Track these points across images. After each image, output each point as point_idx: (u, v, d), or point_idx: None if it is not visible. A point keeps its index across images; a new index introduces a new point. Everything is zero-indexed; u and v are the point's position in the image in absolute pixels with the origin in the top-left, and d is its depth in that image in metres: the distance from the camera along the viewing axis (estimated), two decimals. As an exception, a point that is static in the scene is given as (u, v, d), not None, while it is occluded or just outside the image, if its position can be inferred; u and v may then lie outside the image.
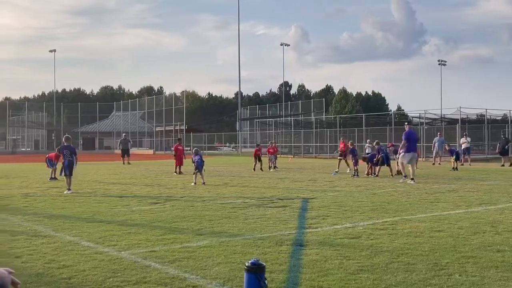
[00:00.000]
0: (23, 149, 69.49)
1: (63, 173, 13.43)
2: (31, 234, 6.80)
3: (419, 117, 41.26)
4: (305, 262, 5.25)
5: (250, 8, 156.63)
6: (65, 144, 13.68)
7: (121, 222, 8.02)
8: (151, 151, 64.19)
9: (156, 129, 71.17)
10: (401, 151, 16.71)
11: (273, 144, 25.31)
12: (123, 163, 29.66)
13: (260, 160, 23.10)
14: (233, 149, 62.54)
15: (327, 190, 13.51)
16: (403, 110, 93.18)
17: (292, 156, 44.43)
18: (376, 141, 21.01)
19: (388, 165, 19.14)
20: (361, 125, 43.20)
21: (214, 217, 8.45)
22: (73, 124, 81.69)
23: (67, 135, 14.70)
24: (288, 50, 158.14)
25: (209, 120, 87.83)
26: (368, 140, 35.14)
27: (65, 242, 6.26)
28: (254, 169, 22.81)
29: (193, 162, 16.08)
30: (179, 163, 21.24)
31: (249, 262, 3.65)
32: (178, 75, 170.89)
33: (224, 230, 7.18)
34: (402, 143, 16.52)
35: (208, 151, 61.48)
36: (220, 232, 7.02)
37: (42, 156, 22.95)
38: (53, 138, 79.31)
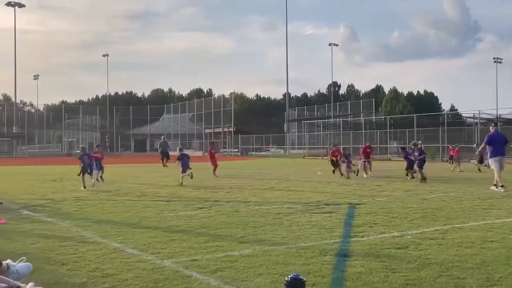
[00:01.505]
0: (78, 151, 71.76)
1: (83, 175, 15.80)
2: (79, 240, 6.96)
3: (473, 117, 39.86)
4: (349, 275, 5.10)
5: (298, 9, 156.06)
6: (84, 152, 16.75)
7: (166, 228, 8.10)
8: (200, 153, 64.97)
9: (205, 131, 72.07)
10: (487, 157, 16.18)
11: (337, 148, 22.44)
12: (163, 165, 30.24)
13: (338, 164, 20.89)
14: (281, 151, 62.38)
15: (375, 195, 13.22)
16: (457, 110, 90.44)
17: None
18: (414, 142, 20.07)
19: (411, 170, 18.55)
20: (412, 126, 42.17)
21: (258, 223, 8.40)
22: (125, 126, 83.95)
23: (82, 145, 19.36)
24: (336, 50, 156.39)
25: (257, 121, 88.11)
26: (419, 142, 34.28)
27: (110, 249, 6.36)
28: (334, 172, 21.00)
29: (178, 160, 17.76)
30: (214, 165, 21.72)
31: (289, 276, 3.57)
32: (227, 77, 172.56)
33: (267, 238, 7.12)
34: (482, 146, 15.84)
35: (256, 153, 61.69)
36: (263, 240, 6.96)
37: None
38: (106, 140, 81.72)
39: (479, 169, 23.52)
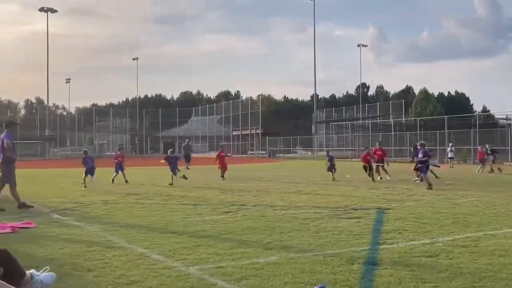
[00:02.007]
0: (108, 153, 72.83)
1: (86, 176, 17.78)
2: (106, 245, 6.98)
3: (506, 119, 38.90)
4: (378, 285, 4.97)
5: (326, 10, 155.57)
6: (87, 155, 18.54)
7: (193, 233, 8.08)
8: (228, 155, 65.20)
9: (233, 133, 72.25)
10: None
11: (369, 150, 21.98)
12: (187, 168, 30.51)
13: (371, 168, 20.19)
14: (309, 153, 62.05)
15: (404, 200, 12.98)
16: (489, 111, 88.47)
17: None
18: (420, 142, 18.84)
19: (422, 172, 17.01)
20: (443, 127, 41.41)
21: (284, 229, 8.31)
22: (154, 128, 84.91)
23: (85, 149, 20.94)
24: (365, 50, 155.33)
25: (284, 123, 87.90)
26: (450, 144, 33.56)
27: (136, 255, 6.36)
28: (373, 178, 19.73)
29: (169, 164, 18.72)
30: (223, 168, 21.87)
31: (316, 287, 3.48)
32: (254, 79, 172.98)
33: (293, 245, 7.02)
34: None
35: (283, 155, 61.51)
36: (289, 247, 6.86)
37: (127, 160, 23.85)
38: (136, 142, 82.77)
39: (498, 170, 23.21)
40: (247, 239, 7.49)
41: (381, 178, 20.01)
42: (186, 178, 18.46)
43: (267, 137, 64.86)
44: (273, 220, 9.46)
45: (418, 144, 18.77)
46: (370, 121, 59.10)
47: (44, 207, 11.91)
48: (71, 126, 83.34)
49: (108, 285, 5.00)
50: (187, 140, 36.87)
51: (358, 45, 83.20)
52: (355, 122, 61.67)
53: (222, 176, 21.56)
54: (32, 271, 3.32)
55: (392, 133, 48.63)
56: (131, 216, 10.24)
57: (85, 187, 17.10)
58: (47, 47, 72.96)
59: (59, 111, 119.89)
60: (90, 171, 18.03)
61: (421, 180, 17.64)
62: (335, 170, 21.08)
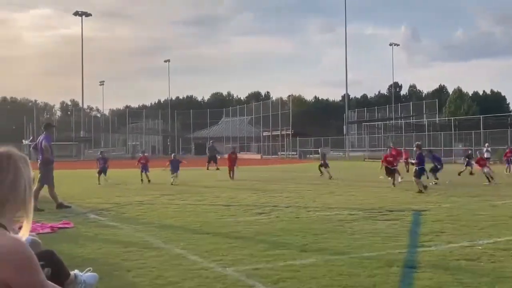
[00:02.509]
0: (141, 154, 73.87)
1: (99, 175, 19.81)
2: (142, 246, 7.06)
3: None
4: (417, 288, 4.88)
5: (358, 10, 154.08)
6: (101, 156, 21.05)
7: (227, 234, 8.10)
8: (258, 156, 65.27)
9: (263, 134, 72.24)
10: None
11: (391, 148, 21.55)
12: (207, 168, 30.68)
13: (395, 172, 18.71)
14: (341, 154, 61.53)
15: (441, 201, 12.72)
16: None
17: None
18: (417, 143, 17.44)
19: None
20: (479, 127, 40.48)
21: (319, 231, 8.24)
22: (186, 130, 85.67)
23: (101, 150, 24.44)
24: (398, 50, 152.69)
25: (315, 124, 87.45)
26: (486, 144, 32.78)
27: (173, 256, 6.41)
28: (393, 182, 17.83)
29: (171, 167, 20.12)
30: (231, 168, 22.70)
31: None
32: (285, 80, 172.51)
33: (329, 247, 6.95)
34: None
35: (314, 156, 61.14)
36: (325, 249, 6.80)
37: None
38: (168, 143, 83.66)
39: None
40: (282, 240, 7.46)
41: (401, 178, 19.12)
42: (173, 183, 19.34)
43: (297, 138, 64.62)
44: (307, 221, 9.41)
45: (415, 146, 17.43)
46: (403, 121, 58.26)
47: (81, 207, 12.15)
48: (105, 127, 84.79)
49: (146, 285, 5.06)
50: (211, 141, 37.04)
51: (390, 44, 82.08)
52: (387, 122, 60.84)
53: (231, 177, 22.22)
54: (76, 271, 3.37)
55: (426, 133, 47.81)
56: (165, 216, 10.33)
57: (99, 183, 19.30)
58: (82, 50, 74.45)
59: (94, 113, 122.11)
60: (103, 171, 20.10)
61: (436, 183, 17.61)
62: (325, 167, 22.69)
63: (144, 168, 20.74)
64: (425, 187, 15.32)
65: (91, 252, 6.70)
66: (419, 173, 15.61)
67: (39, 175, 11.66)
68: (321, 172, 23.25)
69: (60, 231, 8.60)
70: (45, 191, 11.95)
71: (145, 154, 23.34)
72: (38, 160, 11.99)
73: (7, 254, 1.84)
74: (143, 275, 5.42)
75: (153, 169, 22.38)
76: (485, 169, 18.30)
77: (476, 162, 19.66)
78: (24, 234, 2.10)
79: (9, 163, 2.01)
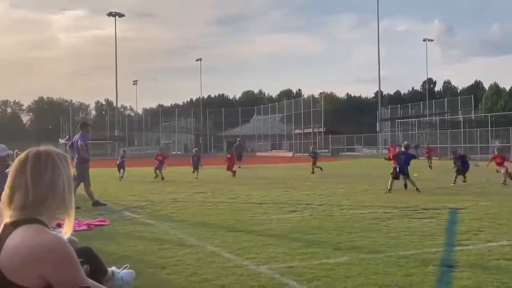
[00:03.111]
0: (174, 153, 74.64)
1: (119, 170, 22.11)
2: (177, 243, 7.13)
3: None
4: (455, 288, 4.77)
5: (390, 5, 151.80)
6: (123, 155, 23.65)
7: (260, 232, 8.09)
8: (290, 154, 65.09)
9: (295, 132, 71.98)
10: None
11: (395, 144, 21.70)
12: (239, 166, 30.71)
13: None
14: (374, 151, 60.82)
15: (478, 199, 12.42)
16: None
17: (437, 159, 41.88)
18: (405, 143, 16.66)
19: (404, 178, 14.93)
20: (516, 123, 39.35)
21: (353, 229, 8.16)
22: (217, 128, 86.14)
23: (124, 149, 27.00)
24: (431, 45, 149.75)
25: (347, 121, 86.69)
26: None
27: (207, 253, 6.45)
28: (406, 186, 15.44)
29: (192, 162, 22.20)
30: (231, 165, 23.36)
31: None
32: (316, 77, 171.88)
33: (364, 245, 6.87)
34: None
35: (347, 153, 60.67)
36: (360, 247, 6.73)
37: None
38: (200, 142, 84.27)
39: None
40: (315, 238, 7.42)
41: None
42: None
43: (329, 136, 64.15)
44: (341, 219, 9.33)
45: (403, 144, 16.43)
46: (437, 118, 57.18)
47: (117, 205, 12.35)
48: (138, 126, 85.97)
49: (181, 283, 5.10)
50: (238, 139, 37.31)
51: (424, 40, 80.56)
52: (421, 119, 59.75)
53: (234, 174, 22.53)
54: (113, 268, 3.42)
55: (461, 130, 46.76)
56: (199, 214, 10.41)
57: (121, 178, 21.47)
58: (116, 50, 75.75)
59: (127, 112, 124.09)
60: (121, 167, 22.29)
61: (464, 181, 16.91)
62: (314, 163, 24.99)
63: (159, 165, 21.66)
64: (405, 185, 15.00)
65: (126, 249, 6.79)
66: (396, 174, 14.95)
67: (76, 173, 11.90)
68: (313, 170, 24.58)
69: (97, 228, 8.76)
70: (81, 189, 12.19)
71: (163, 151, 25.43)
72: (75, 159, 12.23)
73: (48, 252, 1.87)
74: (178, 273, 5.47)
75: (184, 168, 22.58)
76: (502, 170, 16.62)
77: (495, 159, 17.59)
78: (67, 232, 2.13)
79: (47, 161, 2.04)
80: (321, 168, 24.94)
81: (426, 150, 30.27)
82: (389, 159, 17.36)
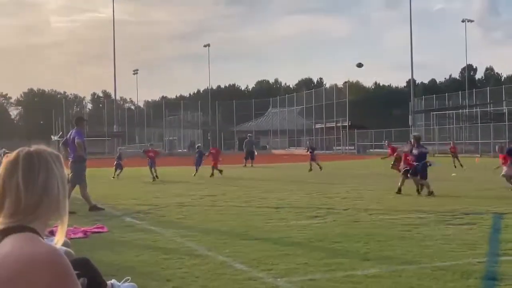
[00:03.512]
0: (179, 150, 75.02)
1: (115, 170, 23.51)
2: (184, 253, 7.17)
3: None
4: (500, 304, 4.74)
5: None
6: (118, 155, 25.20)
7: (277, 240, 8.11)
8: (310, 151, 64.97)
9: (316, 126, 71.87)
10: None
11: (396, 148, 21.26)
12: (245, 165, 30.74)
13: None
14: (406, 148, 60.45)
15: (526, 202, 12.30)
16: None
17: (479, 156, 41.56)
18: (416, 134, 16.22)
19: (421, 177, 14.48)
20: None
21: (383, 237, 8.15)
22: (228, 122, 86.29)
23: (120, 147, 28.93)
24: (471, 26, 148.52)
25: (376, 114, 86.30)
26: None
27: (217, 264, 6.49)
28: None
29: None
30: (214, 164, 23.35)
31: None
32: (340, 64, 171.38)
33: (395, 255, 6.85)
34: None
35: (375, 150, 60.42)
36: (390, 258, 6.71)
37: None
38: (208, 138, 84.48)
39: None
40: (340, 248, 7.42)
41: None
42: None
43: (355, 131, 63.96)
44: (369, 226, 9.32)
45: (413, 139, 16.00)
46: (478, 110, 56.69)
47: (116, 209, 12.45)
48: (139, 121, 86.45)
49: (189, 297, 5.13)
50: (249, 135, 37.18)
51: (463, 21, 79.81)
52: (460, 111, 59.31)
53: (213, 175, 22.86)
54: (113, 281, 3.45)
55: (506, 123, 46.33)
56: (208, 220, 10.46)
57: (114, 177, 22.80)
58: (114, 35, 76.25)
59: (127, 105, 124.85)
60: (118, 167, 23.50)
61: None
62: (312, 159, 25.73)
63: (152, 163, 22.05)
64: (418, 190, 14.55)
65: (127, 260, 6.85)
66: (421, 171, 14.42)
67: (71, 174, 12.00)
68: (310, 167, 25.35)
69: (94, 236, 8.84)
70: (76, 192, 12.30)
71: (154, 147, 26.74)
72: (69, 158, 12.34)
73: (43, 263, 1.88)
74: (185, 286, 5.50)
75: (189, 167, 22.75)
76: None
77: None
78: (59, 240, 2.15)
79: (40, 163, 2.05)
80: (320, 167, 25.58)
81: (452, 149, 29.67)
82: (389, 155, 17.46)
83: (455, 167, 26.65)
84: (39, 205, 2.01)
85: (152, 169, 21.70)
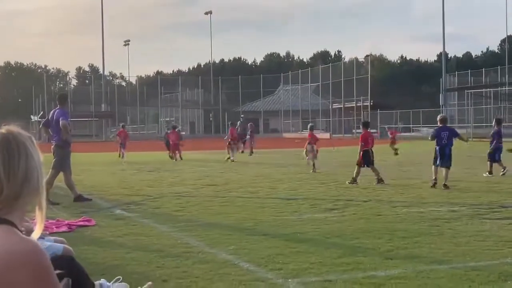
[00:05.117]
0: (121, 128, 74.99)
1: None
2: (182, 250, 7.22)
3: None
4: (543, 310, 4.75)
5: None
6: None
7: (288, 235, 8.15)
8: (327, 135, 64.94)
9: (333, 106, 71.83)
10: None
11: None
12: (242, 151, 30.82)
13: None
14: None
15: None
16: None
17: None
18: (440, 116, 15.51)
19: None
20: None
21: (409, 232, 8.17)
22: (233, 101, 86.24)
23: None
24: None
25: (402, 92, 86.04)
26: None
27: (220, 262, 6.53)
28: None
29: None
30: (173, 148, 26.22)
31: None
32: (361, 35, 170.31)
33: (422, 254, 6.87)
34: None
35: (401, 134, 60.29)
36: (417, 257, 6.73)
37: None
38: (210, 119, 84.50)
39: None
40: (360, 245, 7.46)
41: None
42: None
43: (378, 111, 63.77)
44: (392, 220, 9.34)
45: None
46: (520, 88, 56.37)
47: (105, 200, 12.54)
48: (131, 99, 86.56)
49: (188, 300, 5.17)
50: (241, 116, 37.54)
51: (504, -15, 79.18)
52: (498, 88, 59.02)
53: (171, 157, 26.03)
54: (103, 281, 3.48)
55: (552, 103, 46.08)
56: (210, 212, 10.51)
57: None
58: (101, 1, 76.01)
59: (117, 81, 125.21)
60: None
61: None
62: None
63: (122, 144, 25.14)
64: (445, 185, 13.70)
65: (117, 257, 6.90)
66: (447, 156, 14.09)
67: (54, 160, 12.03)
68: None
69: (79, 230, 8.91)
70: (60, 179, 12.36)
71: (125, 128, 28.89)
72: (52, 142, 12.36)
73: (22, 260, 1.89)
74: (184, 287, 5.54)
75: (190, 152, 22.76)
76: None
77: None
78: (37, 233, 2.16)
79: (19, 148, 2.05)
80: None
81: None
82: (391, 142, 17.34)
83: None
84: (20, 195, 2.02)
85: (122, 150, 24.97)
